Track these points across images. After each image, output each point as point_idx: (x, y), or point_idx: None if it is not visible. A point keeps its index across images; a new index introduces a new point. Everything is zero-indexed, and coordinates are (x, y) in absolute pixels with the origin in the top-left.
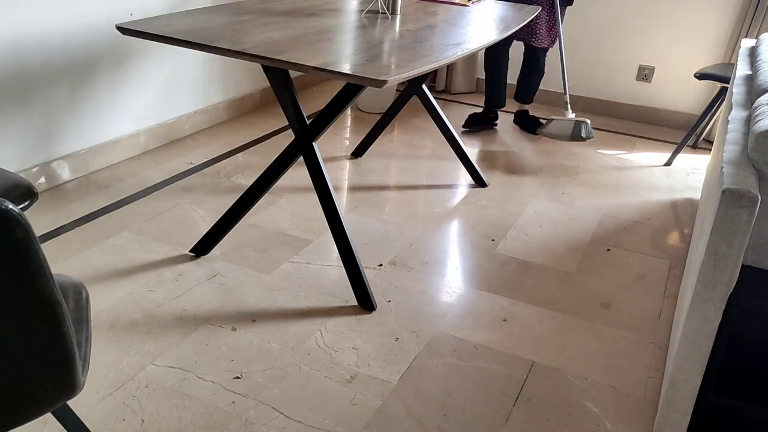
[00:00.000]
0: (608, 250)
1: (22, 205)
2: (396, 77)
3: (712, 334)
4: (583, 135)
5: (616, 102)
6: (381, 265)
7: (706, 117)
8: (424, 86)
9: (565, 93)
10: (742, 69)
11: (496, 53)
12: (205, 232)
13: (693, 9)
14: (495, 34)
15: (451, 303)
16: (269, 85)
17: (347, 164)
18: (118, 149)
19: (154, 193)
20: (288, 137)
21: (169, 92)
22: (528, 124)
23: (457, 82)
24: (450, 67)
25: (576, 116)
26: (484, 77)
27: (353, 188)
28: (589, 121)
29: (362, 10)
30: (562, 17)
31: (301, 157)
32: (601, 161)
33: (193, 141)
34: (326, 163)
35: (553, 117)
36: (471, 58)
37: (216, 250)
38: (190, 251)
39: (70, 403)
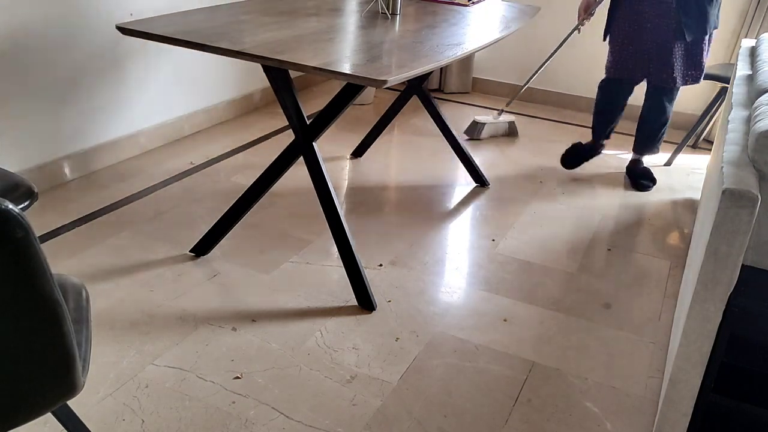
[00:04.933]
0: (609, 250)
1: (22, 205)
2: (396, 77)
3: (712, 334)
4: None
5: None
6: (381, 265)
7: (706, 117)
8: (423, 86)
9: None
10: (742, 69)
11: (613, 85)
12: (205, 232)
13: None
14: (495, 34)
15: (451, 303)
16: (269, 85)
17: (347, 164)
18: (118, 149)
19: (154, 193)
20: (288, 137)
21: (169, 92)
22: (634, 177)
23: (452, 82)
24: (444, 67)
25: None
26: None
27: (353, 188)
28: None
29: (362, 10)
30: (709, 43)
31: (301, 157)
32: (601, 161)
33: (193, 141)
34: (326, 163)
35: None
36: (466, 58)
37: (216, 250)
38: (190, 251)
39: (70, 403)
